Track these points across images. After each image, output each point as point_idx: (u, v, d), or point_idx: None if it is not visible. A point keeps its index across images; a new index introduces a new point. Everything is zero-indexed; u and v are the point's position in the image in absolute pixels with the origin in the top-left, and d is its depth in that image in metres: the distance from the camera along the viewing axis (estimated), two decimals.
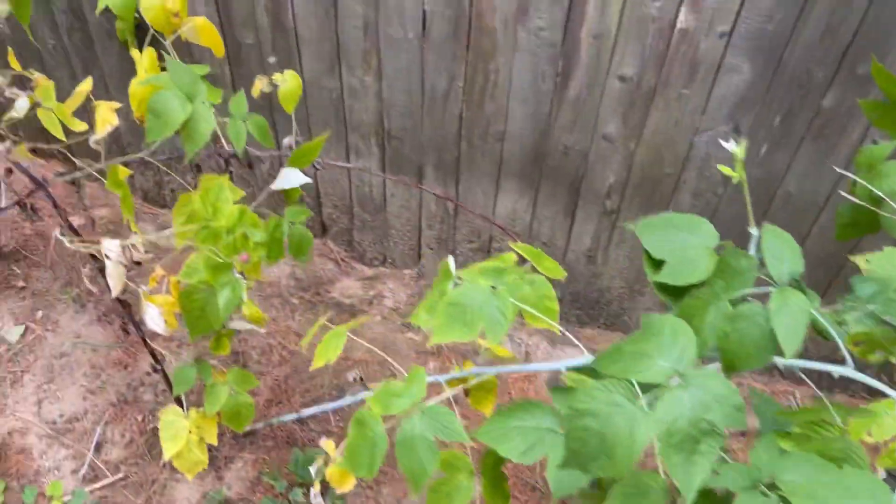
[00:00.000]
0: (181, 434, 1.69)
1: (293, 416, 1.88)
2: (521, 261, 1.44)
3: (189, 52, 2.18)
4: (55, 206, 1.64)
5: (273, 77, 1.72)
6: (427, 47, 1.97)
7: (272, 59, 2.13)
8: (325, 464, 1.57)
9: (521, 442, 1.36)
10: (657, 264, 1.42)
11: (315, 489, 1.57)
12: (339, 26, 2.01)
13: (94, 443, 2.13)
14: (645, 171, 2.03)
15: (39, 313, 2.46)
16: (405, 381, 1.37)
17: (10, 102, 1.45)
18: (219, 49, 1.62)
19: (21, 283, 2.54)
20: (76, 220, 2.79)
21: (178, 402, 2.10)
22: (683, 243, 1.29)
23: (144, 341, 1.90)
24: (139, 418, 2.20)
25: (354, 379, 2.30)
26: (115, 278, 1.38)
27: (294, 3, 2.02)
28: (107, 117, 1.51)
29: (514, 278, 1.29)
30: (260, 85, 1.71)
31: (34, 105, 1.45)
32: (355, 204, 2.52)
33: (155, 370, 1.93)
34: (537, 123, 2.02)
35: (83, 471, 2.07)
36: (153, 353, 1.94)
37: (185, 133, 1.45)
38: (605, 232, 2.23)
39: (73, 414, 2.20)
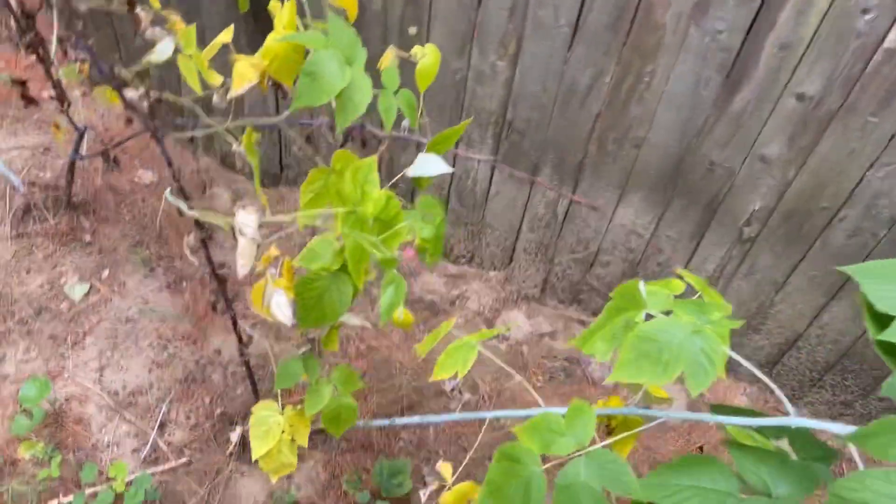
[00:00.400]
0: (274, 432, 1.52)
1: (384, 421, 1.71)
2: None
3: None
4: (169, 164, 1.46)
5: (413, 51, 1.54)
6: (578, 37, 1.78)
7: (413, 30, 1.95)
8: (439, 490, 1.39)
9: None
10: (881, 319, 1.22)
11: None
12: (482, 4, 1.82)
13: (158, 421, 1.97)
14: (798, 201, 1.83)
15: (106, 272, 2.29)
16: (567, 416, 1.19)
17: (146, 46, 1.28)
18: (353, 11, 1.45)
19: (88, 238, 2.37)
20: (147, 176, 2.62)
21: (255, 390, 1.93)
22: None
23: (235, 323, 1.73)
24: (206, 400, 2.04)
25: (453, 389, 2.12)
26: (247, 256, 1.20)
27: None
28: (246, 73, 1.33)
29: (720, 317, 1.10)
30: (391, 56, 1.53)
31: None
32: (452, 196, 2.34)
33: (242, 354, 1.76)
34: (685, 134, 1.83)
35: (145, 451, 1.91)
36: (241, 338, 1.77)
37: (340, 102, 1.27)
38: (734, 261, 2.03)
39: (137, 386, 2.03)
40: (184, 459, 1.91)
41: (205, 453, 1.94)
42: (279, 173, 2.62)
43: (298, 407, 1.55)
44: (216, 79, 1.36)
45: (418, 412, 2.15)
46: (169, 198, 1.42)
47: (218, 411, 2.01)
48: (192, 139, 2.60)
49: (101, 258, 2.32)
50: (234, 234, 1.23)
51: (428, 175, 1.44)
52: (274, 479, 1.59)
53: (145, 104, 1.28)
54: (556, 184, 2.12)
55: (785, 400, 1.13)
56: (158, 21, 1.32)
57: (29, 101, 1.89)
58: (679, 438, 2.24)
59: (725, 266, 2.06)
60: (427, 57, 1.55)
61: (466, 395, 2.21)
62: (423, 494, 1.39)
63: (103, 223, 2.44)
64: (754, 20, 1.58)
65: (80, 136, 2.11)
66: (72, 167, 2.26)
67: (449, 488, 1.39)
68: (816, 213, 1.83)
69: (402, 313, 1.31)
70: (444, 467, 1.40)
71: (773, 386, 1.07)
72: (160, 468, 1.89)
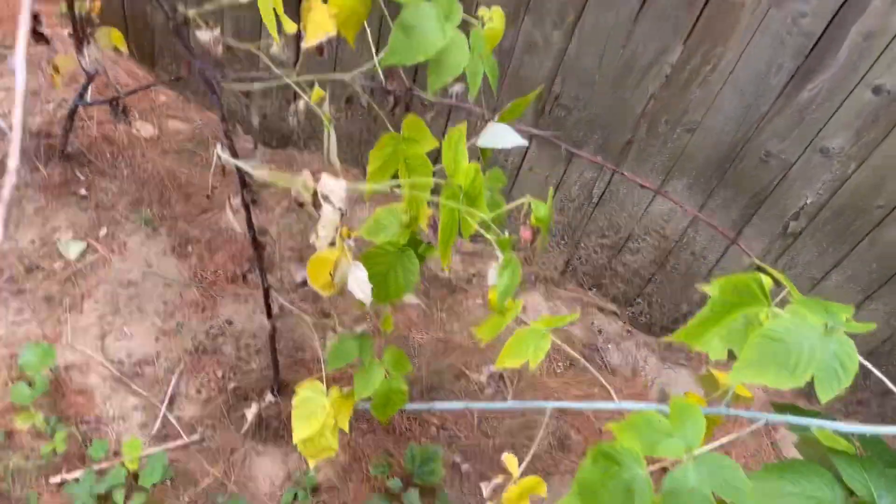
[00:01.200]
0: (318, 415, 1.40)
1: (423, 405, 1.61)
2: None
3: None
4: (223, 119, 1.32)
5: (481, 12, 1.43)
6: (646, 10, 1.68)
7: None
8: (503, 483, 1.31)
9: None
10: None
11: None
12: None
13: (168, 394, 1.83)
14: (854, 198, 1.78)
15: (103, 230, 2.12)
16: (672, 415, 1.11)
17: None
18: None
19: (83, 191, 2.19)
20: (147, 130, 2.44)
21: (276, 367, 1.81)
22: None
23: (266, 295, 1.60)
24: (219, 374, 1.91)
25: (491, 376, 2.03)
26: (330, 227, 1.08)
27: None
28: (323, 23, 1.20)
29: (849, 319, 1.03)
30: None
31: None
32: None
33: (275, 330, 1.64)
34: (745, 122, 1.76)
35: (155, 427, 1.77)
36: (270, 311, 1.64)
37: (435, 62, 1.16)
38: (773, 254, 1.99)
39: (143, 356, 1.89)
40: (196, 436, 1.79)
41: (218, 430, 1.81)
42: (289, 135, 2.47)
43: (345, 390, 1.44)
44: (292, 26, 1.23)
45: (438, 395, 2.06)
46: (220, 153, 1.29)
47: (231, 386, 1.89)
48: (208, 94, 2.42)
49: (98, 215, 2.15)
50: (312, 202, 1.11)
51: (500, 146, 1.34)
52: (312, 464, 1.47)
53: (219, 48, 1.14)
54: (596, 166, 2.03)
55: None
56: None
57: (39, 37, 1.71)
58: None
59: (763, 259, 2.02)
60: (494, 20, 1.44)
61: (484, 375, 2.13)
62: (486, 487, 1.30)
63: (100, 177, 2.26)
64: (842, 5, 1.51)
65: (89, 81, 1.93)
66: (73, 114, 2.07)
67: (515, 482, 1.31)
68: (870, 211, 1.79)
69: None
70: (510, 459, 1.31)
71: (882, 377, 1.01)
72: (171, 445, 1.75)
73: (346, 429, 1.47)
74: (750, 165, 1.84)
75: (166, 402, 1.81)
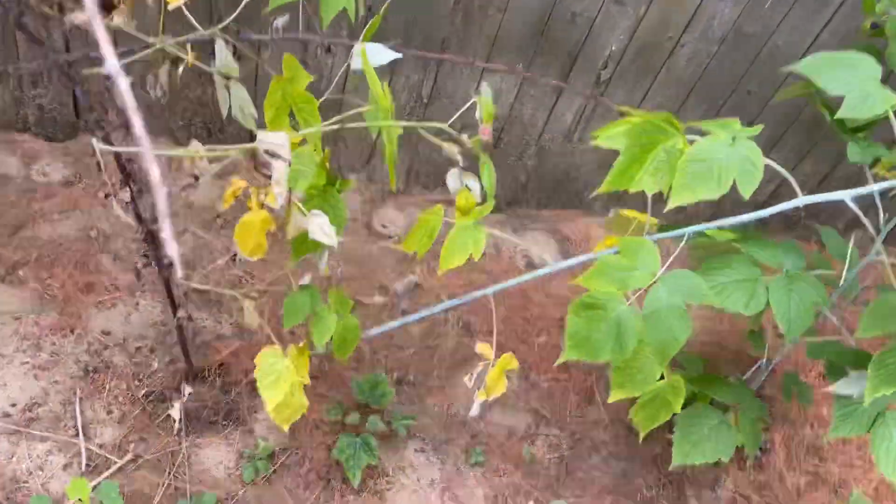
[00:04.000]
0: (285, 377, 1.38)
1: (373, 331, 1.62)
2: None
3: None
4: (90, 108, 1.19)
5: None
6: None
7: None
8: (484, 369, 1.41)
9: (740, 296, 1.34)
10: (828, 106, 1.44)
11: (479, 398, 1.40)
12: None
13: (78, 426, 1.67)
14: (647, 36, 2.02)
15: None
16: (625, 254, 1.27)
17: None
18: None
19: None
20: None
21: (187, 356, 1.71)
22: (855, 78, 1.31)
23: (168, 284, 1.51)
24: (122, 386, 1.76)
25: (410, 284, 2.07)
26: (283, 183, 1.05)
27: None
28: None
29: (741, 130, 1.23)
30: None
31: None
32: None
33: (190, 319, 1.54)
34: None
35: (82, 463, 1.62)
36: (173, 300, 1.54)
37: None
38: (591, 104, 2.21)
39: (30, 399, 1.69)
40: (129, 456, 1.67)
41: (148, 441, 1.70)
42: (76, 120, 2.22)
43: (300, 344, 1.43)
44: None
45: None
46: (97, 146, 1.18)
47: (141, 393, 1.76)
48: None
49: None
50: (254, 164, 1.07)
51: (379, 64, 1.36)
52: (286, 428, 1.47)
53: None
54: (421, 67, 2.09)
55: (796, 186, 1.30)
56: None
57: None
58: None
59: (584, 111, 2.24)
60: None
61: (378, 298, 2.18)
62: (470, 379, 1.39)
63: None
64: None
65: None
66: None
67: (493, 366, 1.41)
68: (663, 44, 2.05)
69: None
70: (484, 347, 1.41)
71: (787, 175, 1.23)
72: (107, 474, 1.62)
73: (308, 381, 1.47)
74: (560, 28, 2.00)
75: (81, 434, 1.66)
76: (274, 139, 1.03)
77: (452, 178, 1.20)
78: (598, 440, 2.02)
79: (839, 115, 1.27)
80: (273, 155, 1.03)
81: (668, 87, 2.17)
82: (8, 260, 1.91)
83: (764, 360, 1.80)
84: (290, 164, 1.05)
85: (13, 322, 1.80)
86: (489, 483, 1.86)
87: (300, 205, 1.15)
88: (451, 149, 1.15)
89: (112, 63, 0.52)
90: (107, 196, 1.19)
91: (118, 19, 1.19)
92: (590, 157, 2.39)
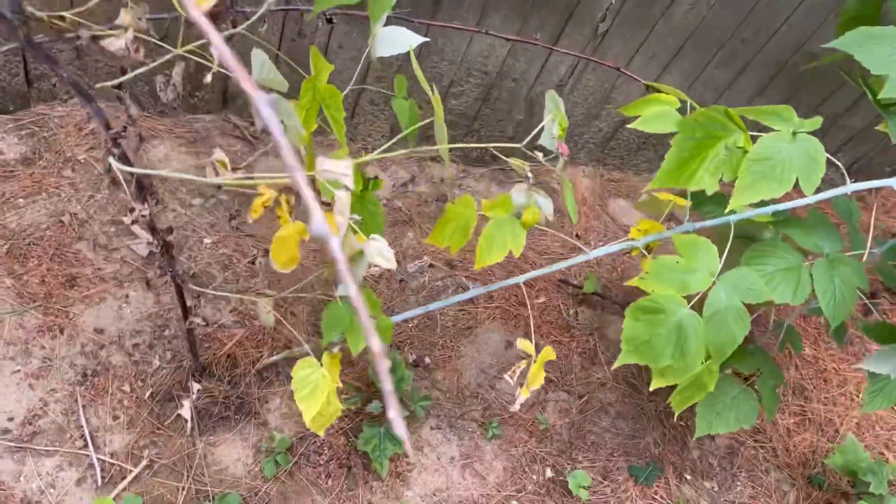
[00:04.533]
0: (321, 387, 1.33)
1: (400, 317, 1.56)
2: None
3: None
4: (107, 127, 1.06)
5: None
6: None
7: None
8: (526, 367, 1.38)
9: (787, 286, 1.33)
10: (869, 84, 1.42)
11: (522, 395, 1.37)
12: None
13: (86, 436, 1.58)
14: None
15: None
16: (684, 253, 1.24)
17: None
18: None
19: None
20: None
21: (195, 355, 1.62)
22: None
23: (180, 291, 1.40)
24: (126, 388, 1.67)
25: (422, 266, 2.00)
26: (346, 211, 0.95)
27: None
28: None
29: (800, 123, 1.19)
30: None
31: None
32: (282, 58, 2.03)
33: (206, 324, 1.44)
34: None
35: (96, 475, 1.54)
36: (185, 306, 1.44)
37: None
38: (587, 54, 2.12)
39: (28, 411, 1.58)
40: (144, 462, 1.59)
41: (161, 445, 1.63)
42: (26, 91, 2.00)
43: (334, 351, 1.36)
44: None
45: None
46: (115, 164, 1.05)
47: (146, 394, 1.67)
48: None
49: None
50: (313, 190, 0.97)
51: (398, 52, 1.26)
52: (321, 433, 1.42)
53: (140, 52, 0.87)
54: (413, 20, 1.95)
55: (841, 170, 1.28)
56: None
57: None
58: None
59: (577, 65, 2.15)
60: None
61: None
62: (512, 377, 1.36)
63: None
64: None
65: None
66: None
67: (534, 361, 1.38)
68: None
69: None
70: (524, 343, 1.37)
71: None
72: (123, 485, 1.55)
73: (340, 385, 1.42)
74: None
75: (90, 444, 1.57)
76: (336, 167, 0.93)
77: (519, 194, 1.13)
78: (605, 401, 2.05)
79: (882, 95, 1.25)
80: (335, 183, 0.94)
81: (665, 38, 2.11)
82: None
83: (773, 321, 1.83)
84: (350, 191, 0.96)
85: None
86: (506, 454, 1.87)
87: (356, 227, 1.06)
88: (519, 165, 1.08)
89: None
90: (134, 223, 1.06)
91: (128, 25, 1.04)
92: (580, 106, 2.32)
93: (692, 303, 1.20)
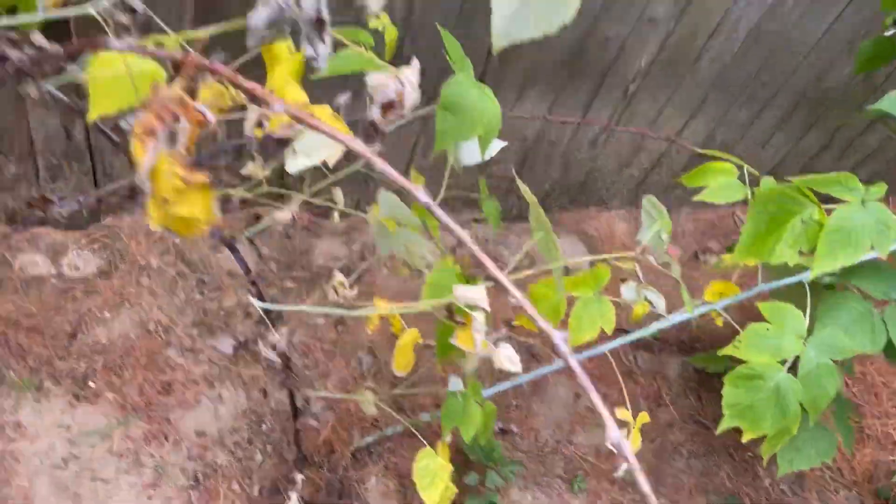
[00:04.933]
0: (441, 475, 1.41)
1: (498, 388, 1.66)
2: None
3: None
4: (247, 271, 1.16)
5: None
6: None
7: None
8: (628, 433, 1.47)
9: (864, 335, 1.43)
10: None
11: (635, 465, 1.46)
12: None
13: None
14: (678, 48, 2.05)
15: None
16: (771, 319, 1.33)
17: None
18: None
19: None
20: None
21: (300, 449, 1.70)
22: None
23: (292, 395, 1.49)
24: (235, 487, 1.75)
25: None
26: (482, 330, 1.05)
27: None
28: None
29: (866, 191, 1.29)
30: None
31: None
32: None
33: (317, 421, 1.53)
34: (584, 19, 1.90)
35: None
36: (296, 409, 1.53)
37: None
38: (617, 115, 2.24)
39: None
40: None
41: None
42: (97, 205, 2.10)
43: (447, 440, 1.45)
44: None
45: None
46: (257, 304, 1.15)
47: (255, 491, 1.75)
48: None
49: None
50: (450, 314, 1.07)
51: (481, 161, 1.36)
52: None
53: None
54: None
55: None
56: None
57: None
58: None
59: (610, 121, 2.27)
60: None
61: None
62: (612, 440, 1.44)
63: None
64: None
65: None
66: None
67: (631, 429, 1.47)
68: (690, 53, 2.08)
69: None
70: (623, 412, 1.46)
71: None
72: None
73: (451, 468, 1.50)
74: (593, 54, 2.00)
75: None
76: (472, 294, 1.03)
77: (628, 290, 1.23)
78: (675, 442, 2.14)
79: None
80: (473, 308, 1.03)
81: (692, 89, 2.22)
82: (75, 372, 1.83)
83: None
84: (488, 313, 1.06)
85: (103, 441, 1.75)
86: None
87: (487, 341, 1.16)
88: (631, 268, 1.18)
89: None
90: (265, 394, 1.16)
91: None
92: (613, 158, 2.43)
93: (786, 365, 1.29)
